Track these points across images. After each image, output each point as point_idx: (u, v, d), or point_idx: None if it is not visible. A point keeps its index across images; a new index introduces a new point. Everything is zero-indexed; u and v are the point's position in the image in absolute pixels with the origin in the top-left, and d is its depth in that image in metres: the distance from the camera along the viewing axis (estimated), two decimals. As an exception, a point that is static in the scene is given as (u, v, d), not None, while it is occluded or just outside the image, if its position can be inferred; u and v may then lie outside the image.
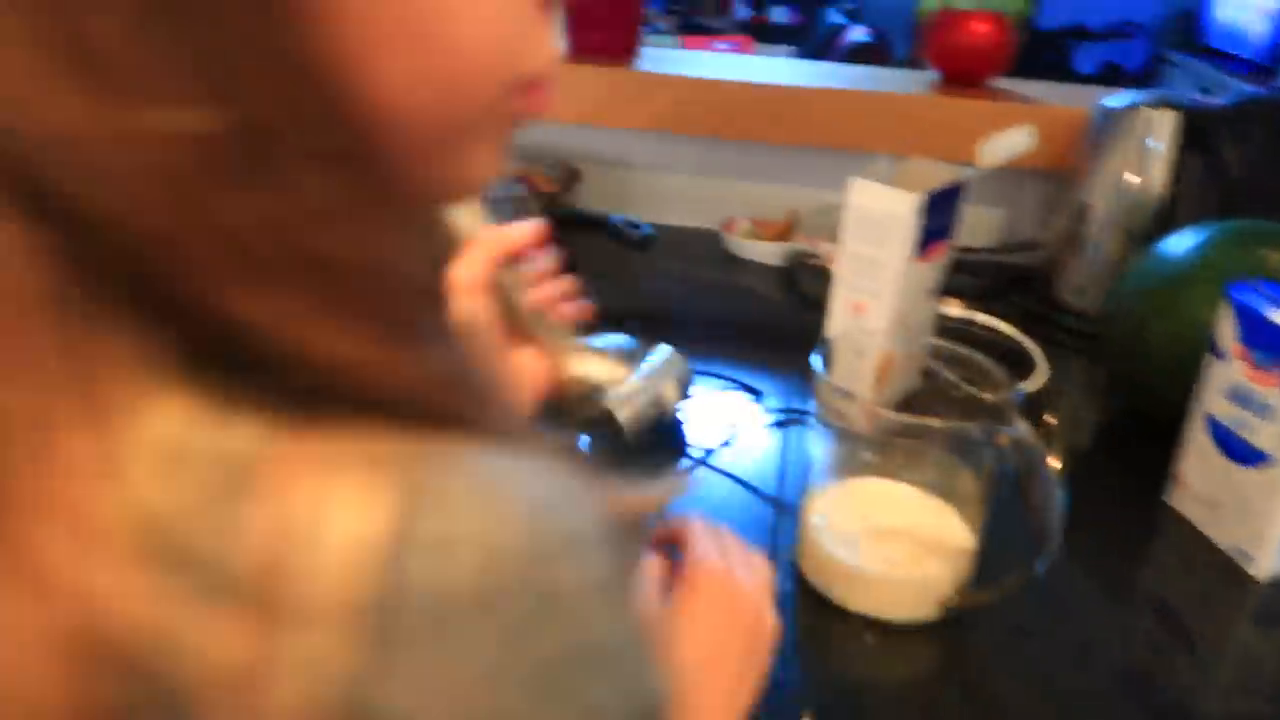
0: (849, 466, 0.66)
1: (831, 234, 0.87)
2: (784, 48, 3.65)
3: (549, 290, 0.63)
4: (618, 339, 0.76)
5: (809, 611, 0.62)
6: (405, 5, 0.24)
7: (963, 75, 1.24)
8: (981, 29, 1.19)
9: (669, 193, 1.26)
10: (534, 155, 1.17)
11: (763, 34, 4.17)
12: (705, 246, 1.19)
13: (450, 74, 0.26)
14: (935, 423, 0.58)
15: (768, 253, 1.16)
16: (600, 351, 0.73)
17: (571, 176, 1.14)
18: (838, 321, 0.79)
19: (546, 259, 0.64)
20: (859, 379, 0.75)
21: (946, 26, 1.21)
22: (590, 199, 1.19)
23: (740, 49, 3.39)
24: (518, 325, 0.61)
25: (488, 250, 0.56)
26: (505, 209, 0.60)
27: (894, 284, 0.76)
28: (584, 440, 0.74)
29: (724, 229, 1.20)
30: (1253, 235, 0.80)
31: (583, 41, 1.24)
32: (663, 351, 0.77)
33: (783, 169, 1.22)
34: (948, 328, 0.94)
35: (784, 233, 1.18)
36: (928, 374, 0.68)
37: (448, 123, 0.27)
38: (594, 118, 1.21)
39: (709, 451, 0.78)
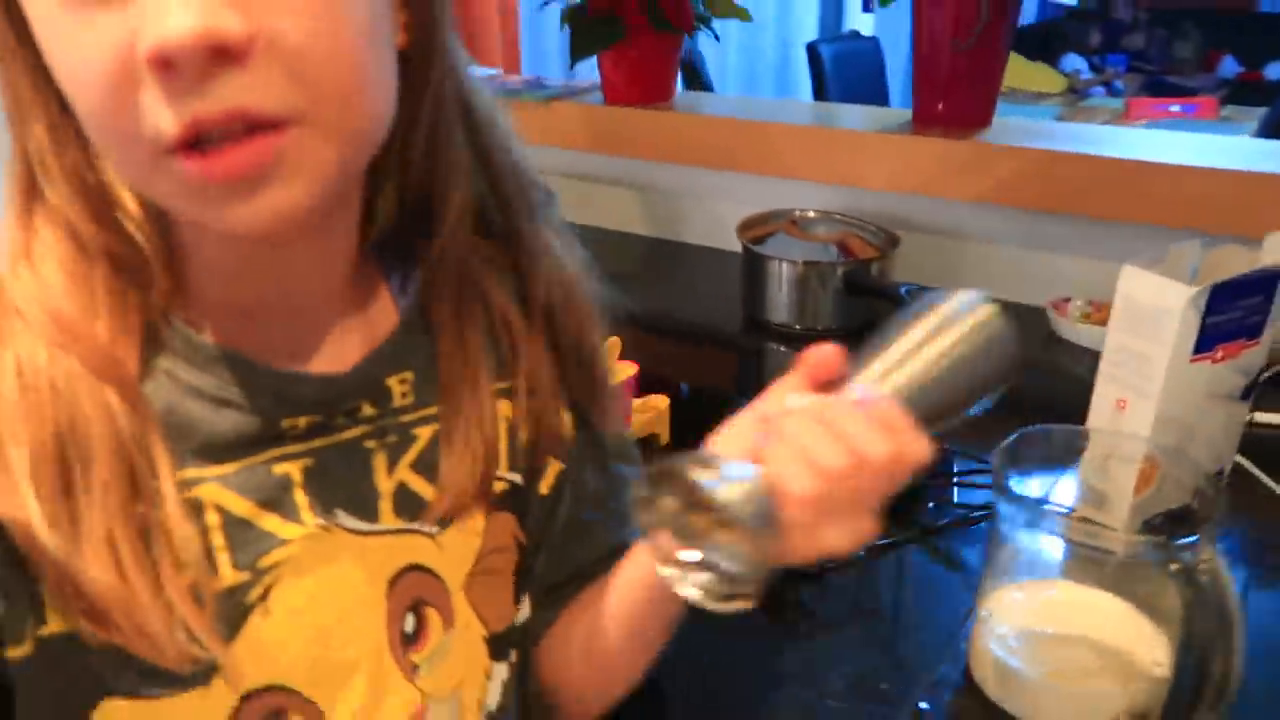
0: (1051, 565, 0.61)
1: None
2: (1261, 110, 3.19)
3: None
4: None
5: (972, 712, 0.59)
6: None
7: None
8: None
9: (993, 265, 1.21)
10: (856, 220, 1.19)
11: (1249, 93, 3.68)
12: (1024, 323, 1.12)
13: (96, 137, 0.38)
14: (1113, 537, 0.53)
15: (1099, 338, 1.06)
16: None
17: (890, 243, 1.14)
18: (1097, 416, 0.73)
19: None
20: (1110, 481, 0.69)
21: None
22: (907, 268, 1.18)
23: (1197, 112, 3.03)
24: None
25: None
26: None
27: (1162, 384, 0.68)
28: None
29: (1053, 307, 1.12)
30: None
31: (928, 112, 1.24)
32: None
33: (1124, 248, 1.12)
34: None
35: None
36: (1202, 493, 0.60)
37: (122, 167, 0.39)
38: (926, 188, 1.20)
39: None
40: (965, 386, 0.44)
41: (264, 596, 0.43)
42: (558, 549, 0.55)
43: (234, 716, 0.42)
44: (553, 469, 0.54)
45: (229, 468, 0.42)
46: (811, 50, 3.49)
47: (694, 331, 1.18)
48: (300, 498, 0.44)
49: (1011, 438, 0.59)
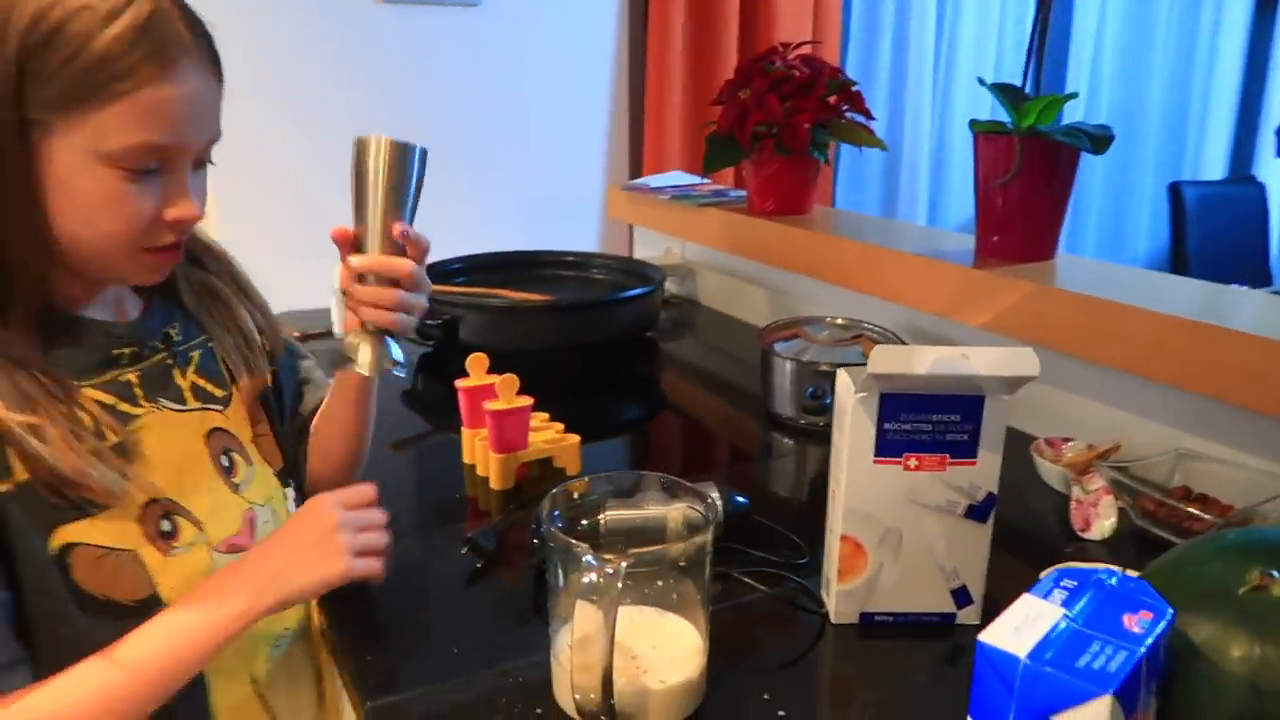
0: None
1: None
2: None
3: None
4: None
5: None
6: (76, 213, 0.64)
7: None
8: None
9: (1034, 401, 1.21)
10: (879, 329, 1.27)
11: None
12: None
13: (99, 240, 0.65)
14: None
15: (1055, 476, 1.05)
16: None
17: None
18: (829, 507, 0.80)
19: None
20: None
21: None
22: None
23: None
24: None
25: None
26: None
27: (845, 477, 0.75)
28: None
29: (1046, 444, 1.11)
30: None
31: (988, 245, 1.28)
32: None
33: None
34: None
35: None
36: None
37: (104, 253, 0.66)
38: (951, 311, 1.25)
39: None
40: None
41: (136, 446, 0.72)
42: (291, 411, 0.93)
43: (141, 516, 0.71)
44: (270, 370, 0.88)
45: (99, 379, 0.73)
46: (1174, 190, 3.29)
47: (724, 418, 1.34)
48: (139, 393, 0.75)
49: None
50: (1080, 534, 0.95)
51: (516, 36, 2.17)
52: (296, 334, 1.60)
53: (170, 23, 0.64)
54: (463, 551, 0.88)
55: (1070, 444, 1.11)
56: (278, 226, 2.07)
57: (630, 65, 2.33)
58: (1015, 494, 1.04)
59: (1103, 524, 0.94)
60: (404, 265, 0.80)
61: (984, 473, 0.75)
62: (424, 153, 0.79)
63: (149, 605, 0.69)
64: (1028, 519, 0.99)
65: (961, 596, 0.78)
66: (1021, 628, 0.50)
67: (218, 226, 2.09)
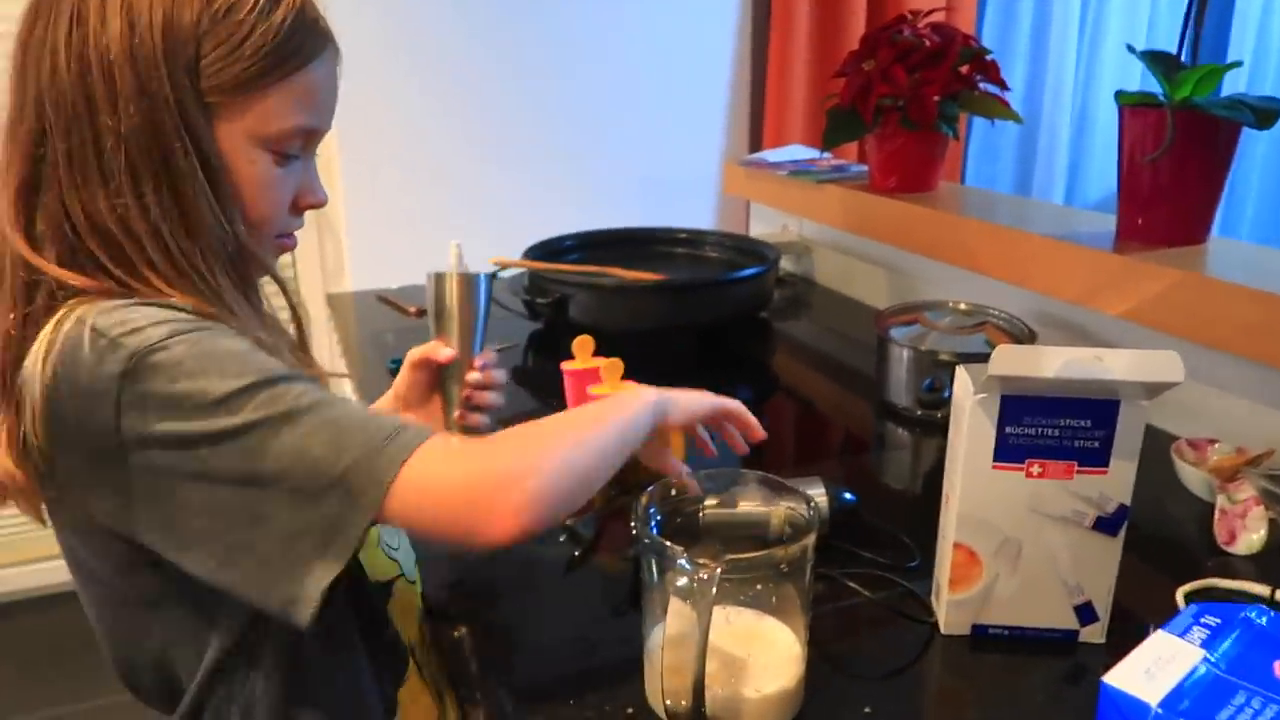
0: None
1: None
2: None
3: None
4: None
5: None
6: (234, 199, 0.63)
7: None
8: None
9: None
10: (1006, 316, 1.19)
11: None
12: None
13: (251, 227, 0.65)
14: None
15: (1196, 481, 0.97)
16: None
17: (1029, 338, 1.14)
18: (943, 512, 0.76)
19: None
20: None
21: None
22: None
23: None
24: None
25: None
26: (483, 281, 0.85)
27: (960, 483, 0.70)
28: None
29: (1188, 444, 1.03)
30: None
31: (1131, 228, 1.18)
32: None
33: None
34: None
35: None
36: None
37: (254, 240, 0.65)
38: (1086, 298, 1.16)
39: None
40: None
41: None
42: None
43: None
44: None
45: None
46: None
47: (837, 404, 1.29)
48: None
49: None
50: (1224, 547, 0.87)
51: (637, 5, 2.14)
52: (414, 310, 1.63)
53: (316, 3, 0.65)
54: (561, 540, 0.87)
55: (1216, 446, 1.02)
56: (399, 202, 2.12)
57: (753, 35, 2.26)
58: (1151, 499, 0.96)
59: (1250, 538, 0.86)
60: (486, 398, 0.87)
61: (1116, 483, 0.69)
62: (489, 279, 0.87)
63: None
64: (1164, 527, 0.92)
65: (1086, 613, 0.72)
66: (1154, 670, 0.45)
67: (344, 203, 2.17)
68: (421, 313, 1.63)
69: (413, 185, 2.09)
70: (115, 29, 0.57)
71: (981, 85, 1.49)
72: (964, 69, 1.48)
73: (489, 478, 0.57)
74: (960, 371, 0.72)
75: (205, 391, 0.54)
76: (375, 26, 1.95)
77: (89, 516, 0.59)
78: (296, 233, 0.71)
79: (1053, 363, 0.65)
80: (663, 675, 0.60)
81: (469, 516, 0.56)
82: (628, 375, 1.02)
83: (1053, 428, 0.68)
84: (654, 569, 0.64)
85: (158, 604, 0.63)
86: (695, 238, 1.71)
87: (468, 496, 0.56)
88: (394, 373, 1.34)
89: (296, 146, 0.65)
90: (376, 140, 2.02)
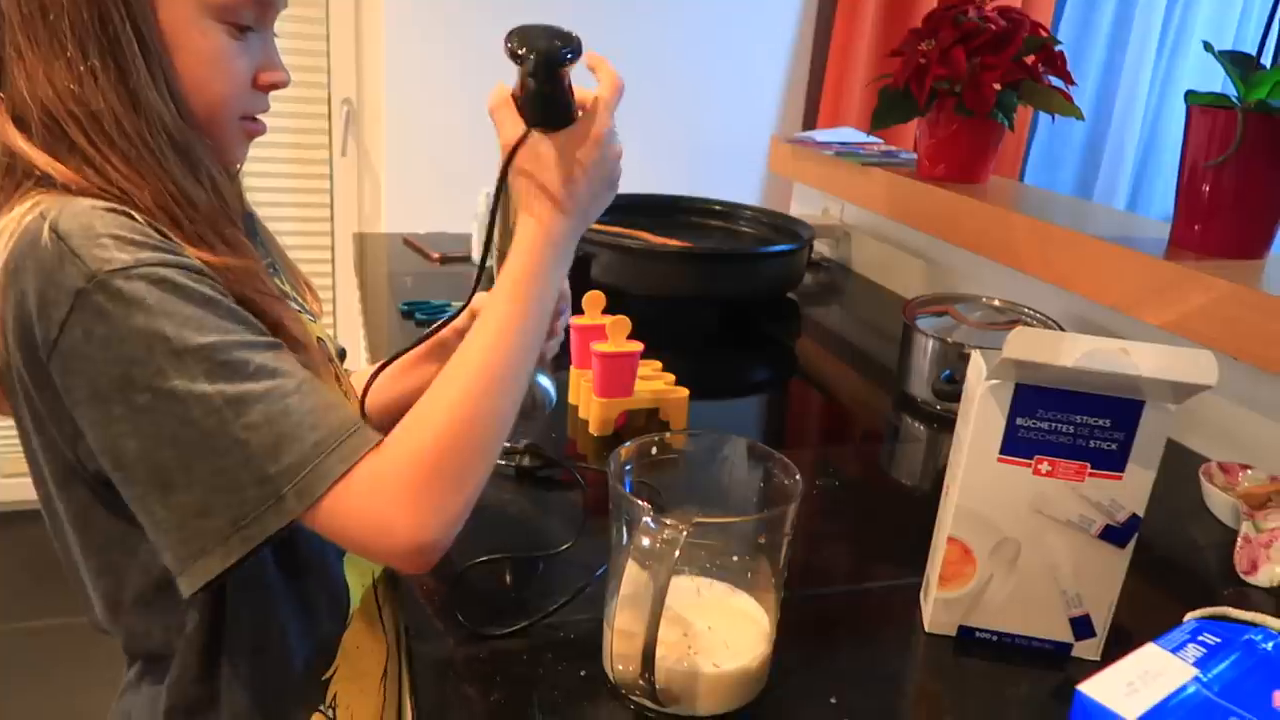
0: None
1: None
2: None
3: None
4: None
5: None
6: (188, 76, 0.60)
7: None
8: None
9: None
10: (1041, 316, 1.13)
11: None
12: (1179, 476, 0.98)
13: (209, 107, 0.61)
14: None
15: (1222, 505, 0.91)
16: None
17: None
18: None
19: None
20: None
21: None
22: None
23: None
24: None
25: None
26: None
27: (962, 473, 0.66)
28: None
29: (1219, 467, 0.97)
30: None
31: (1187, 235, 1.12)
32: None
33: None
34: None
35: None
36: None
37: (213, 122, 0.62)
38: (1130, 305, 1.10)
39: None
40: None
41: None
42: None
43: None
44: None
45: None
46: None
47: (855, 392, 1.25)
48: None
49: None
50: (1244, 577, 0.81)
51: (698, -28, 2.09)
52: (437, 256, 1.61)
53: None
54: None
55: (1249, 473, 0.96)
56: (438, 150, 2.10)
57: (819, 10, 2.20)
58: (1173, 520, 0.91)
59: (1274, 569, 0.80)
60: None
61: (1131, 491, 0.64)
62: None
63: None
64: (1183, 550, 0.86)
65: (1082, 626, 0.68)
66: (1137, 684, 0.40)
67: (386, 148, 2.14)
68: (444, 259, 1.60)
69: (453, 135, 2.06)
70: None
71: (1046, 78, 1.42)
72: (1029, 59, 1.41)
73: (400, 527, 0.55)
74: (975, 355, 0.67)
75: (159, 338, 0.51)
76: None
77: (35, 412, 0.57)
78: (262, 117, 0.66)
79: (1074, 351, 0.60)
80: (614, 640, 0.57)
81: (384, 554, 0.56)
82: (644, 341, 0.98)
83: (1068, 423, 0.63)
84: (624, 528, 0.60)
85: (86, 525, 0.61)
86: (730, 210, 1.66)
87: (382, 541, 0.55)
88: (406, 315, 1.33)
89: (250, 16, 0.62)
90: (420, 88, 2.00)
